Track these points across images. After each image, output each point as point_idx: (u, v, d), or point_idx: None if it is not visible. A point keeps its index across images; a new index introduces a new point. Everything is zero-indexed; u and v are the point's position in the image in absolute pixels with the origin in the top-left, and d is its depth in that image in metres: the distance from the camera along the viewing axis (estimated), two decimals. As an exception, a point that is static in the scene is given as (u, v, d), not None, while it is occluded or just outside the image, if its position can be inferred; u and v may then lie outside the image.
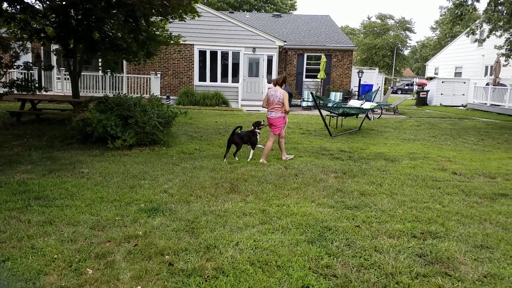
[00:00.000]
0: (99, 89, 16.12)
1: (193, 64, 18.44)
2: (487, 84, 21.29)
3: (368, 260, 3.35)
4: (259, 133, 7.39)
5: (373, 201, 4.96)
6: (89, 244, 3.51)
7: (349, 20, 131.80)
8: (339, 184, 5.73)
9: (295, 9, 49.47)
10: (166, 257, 3.31)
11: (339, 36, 21.83)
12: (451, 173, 6.69)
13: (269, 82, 17.35)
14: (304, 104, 18.65)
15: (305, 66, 20.26)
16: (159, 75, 17.26)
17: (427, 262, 3.38)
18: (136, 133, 7.74)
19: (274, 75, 18.73)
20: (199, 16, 10.46)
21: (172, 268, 3.12)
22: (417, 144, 9.76)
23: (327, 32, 22.29)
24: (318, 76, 19.04)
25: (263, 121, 7.45)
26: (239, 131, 7.23)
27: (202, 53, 18.41)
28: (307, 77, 20.26)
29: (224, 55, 18.46)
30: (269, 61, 18.57)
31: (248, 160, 7.15)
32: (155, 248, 3.44)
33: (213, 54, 18.39)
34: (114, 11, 8.93)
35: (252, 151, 7.30)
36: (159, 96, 13.70)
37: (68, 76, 9.98)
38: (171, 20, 10.15)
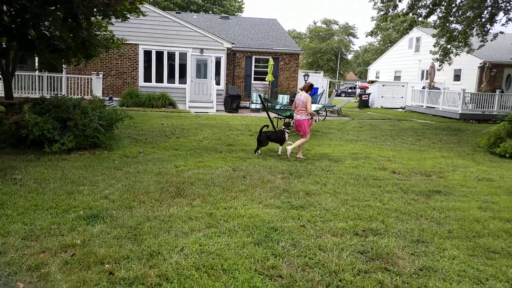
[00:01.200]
0: (35, 89, 15.12)
1: (138, 64, 17.88)
2: (423, 88, 22.71)
3: (312, 259, 3.42)
4: (287, 133, 8.25)
5: (318, 201, 5.08)
6: (20, 256, 3.26)
7: (296, 24, 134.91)
8: (285, 184, 5.81)
9: (242, 12, 49.75)
10: (107, 266, 3.15)
11: (286, 40, 22.24)
12: (390, 172, 7.03)
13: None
14: (252, 106, 18.78)
15: (253, 68, 20.40)
16: (101, 76, 16.54)
17: (368, 258, 3.51)
18: (75, 136, 7.34)
19: (223, 77, 18.68)
20: (144, 15, 10.14)
21: (112, 277, 2.97)
22: (359, 144, 10.16)
23: (274, 36, 22.63)
24: (266, 79, 19.26)
25: (292, 122, 8.44)
26: (266, 130, 8.21)
27: (148, 53, 17.91)
28: (255, 79, 20.41)
29: (171, 55, 18.10)
30: (218, 63, 18.48)
31: (279, 153, 8.17)
32: (95, 257, 3.27)
33: (159, 54, 17.96)
34: (52, 8, 8.40)
35: (280, 147, 8.26)
36: (101, 97, 13.13)
37: (0, 76, 9.21)
38: (113, 20, 9.72)
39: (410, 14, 15.74)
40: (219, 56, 18.42)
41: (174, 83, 18.20)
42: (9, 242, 3.49)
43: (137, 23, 15.20)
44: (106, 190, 5.13)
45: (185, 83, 18.01)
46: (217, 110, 17.59)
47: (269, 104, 13.42)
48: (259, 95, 11.18)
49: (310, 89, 7.97)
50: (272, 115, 12.01)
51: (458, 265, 3.45)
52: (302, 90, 7.99)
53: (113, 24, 10.32)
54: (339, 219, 4.45)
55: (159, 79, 18.11)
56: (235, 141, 9.67)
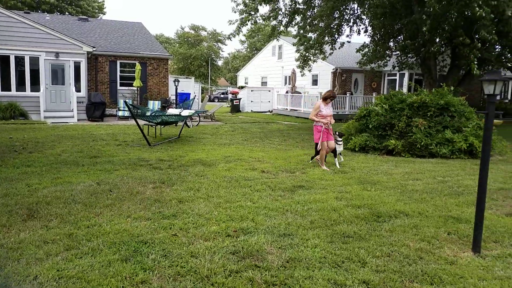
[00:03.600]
0: None
1: (-22, 71, 15.34)
2: (287, 92, 24.58)
3: (184, 267, 3.34)
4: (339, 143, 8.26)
5: (191, 207, 5.02)
6: None
7: (163, 29, 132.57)
8: (157, 194, 5.60)
9: (104, 13, 46.83)
10: None
11: (153, 44, 21.67)
12: (260, 172, 7.37)
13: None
14: (120, 113, 17.75)
15: (118, 73, 19.33)
16: None
17: (239, 258, 3.58)
18: None
19: (84, 83, 17.21)
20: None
21: None
22: (232, 148, 10.44)
23: (140, 40, 21.84)
24: (133, 84, 18.43)
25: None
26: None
27: (-10, 58, 15.50)
28: (122, 85, 19.36)
29: (20, 60, 15.97)
30: (77, 68, 16.96)
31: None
32: None
33: (5, 59, 15.68)
34: None
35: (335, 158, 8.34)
36: None
37: None
38: None
39: (272, 20, 16.83)
40: (78, 61, 16.95)
41: (25, 91, 16.11)
42: None
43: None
44: None
45: (38, 90, 16.07)
46: (78, 120, 16.17)
47: (139, 111, 12.85)
48: (125, 101, 10.61)
49: (326, 98, 7.96)
50: (142, 122, 11.54)
51: (319, 252, 3.76)
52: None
53: None
54: (212, 223, 4.47)
55: (6, 87, 15.81)
56: (100, 152, 8.99)
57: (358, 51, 19.00)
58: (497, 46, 16.31)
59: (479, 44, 13.46)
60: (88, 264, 3.34)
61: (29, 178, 6.28)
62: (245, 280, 3.17)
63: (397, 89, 22.60)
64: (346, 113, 20.19)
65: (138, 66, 18.16)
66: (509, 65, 16.69)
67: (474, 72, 13.41)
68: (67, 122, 15.32)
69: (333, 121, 7.98)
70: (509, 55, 16.32)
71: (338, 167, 7.95)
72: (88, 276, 3.14)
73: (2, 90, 15.70)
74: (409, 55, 18.40)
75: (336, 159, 8.24)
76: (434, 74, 17.20)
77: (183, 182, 6.39)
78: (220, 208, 5.02)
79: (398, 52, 18.58)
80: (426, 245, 4.03)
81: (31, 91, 16.13)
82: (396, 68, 19.75)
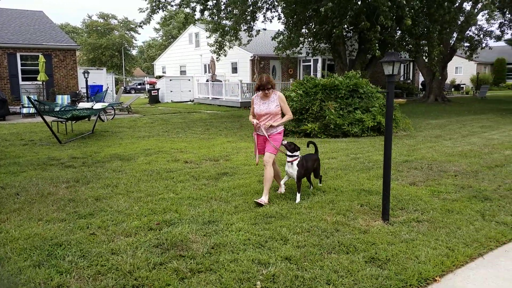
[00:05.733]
0: None
1: None
2: (207, 81, 24.38)
3: (105, 266, 3.21)
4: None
5: (109, 204, 4.80)
6: None
7: (69, 18, 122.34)
8: (71, 194, 5.26)
9: (-1, 1, 41.97)
10: None
11: (58, 35, 19.99)
12: (183, 162, 7.27)
13: None
14: (24, 110, 16.19)
15: (20, 67, 17.57)
16: None
17: (163, 250, 3.53)
18: None
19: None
20: None
21: None
22: (152, 140, 10.13)
23: (43, 30, 19.99)
24: (38, 78, 16.87)
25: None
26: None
27: None
28: (24, 79, 17.65)
29: None
30: (-32, 62, 15.08)
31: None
32: None
33: None
34: None
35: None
36: None
37: None
38: None
39: (185, 8, 16.45)
40: (-31, 54, 15.06)
41: None
42: None
43: None
44: None
45: None
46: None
47: (46, 107, 11.82)
48: (28, 97, 9.71)
49: (258, 88, 5.00)
50: (50, 119, 10.67)
51: (244, 235, 3.85)
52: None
53: None
54: (133, 218, 4.32)
55: None
56: (3, 154, 8.16)
57: (273, 38, 19.43)
58: (398, 31, 17.79)
59: (379, 28, 14.56)
60: (-6, 276, 3.05)
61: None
62: (170, 271, 3.13)
63: (311, 74, 23.66)
64: (266, 99, 20.63)
65: (41, 59, 16.63)
66: (409, 47, 18.29)
67: (377, 54, 14.54)
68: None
69: (270, 123, 4.92)
70: (407, 38, 17.87)
71: (298, 200, 4.92)
72: (-5, 288, 2.87)
73: None
74: (320, 41, 19.28)
75: (283, 183, 5.21)
76: (344, 59, 18.29)
77: (100, 179, 6.07)
78: (141, 203, 4.87)
79: (311, 38, 19.35)
80: (342, 217, 4.33)
81: None
82: (310, 55, 20.59)
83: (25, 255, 3.40)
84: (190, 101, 25.73)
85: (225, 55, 19.96)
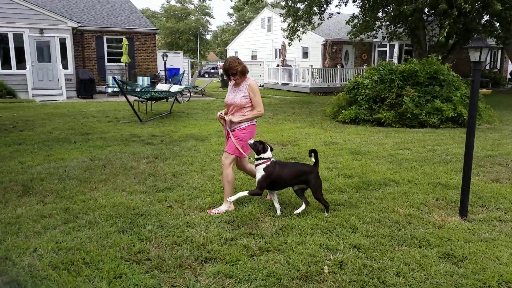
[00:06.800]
0: None
1: (-40, 49, 14.94)
2: (278, 66, 24.38)
3: (181, 237, 3.43)
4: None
5: (185, 180, 5.09)
6: None
7: (149, 3, 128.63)
8: (151, 169, 5.65)
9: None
10: None
11: (140, 19, 21.20)
12: (252, 145, 7.42)
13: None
14: (109, 90, 17.54)
15: (106, 49, 18.97)
16: None
17: (234, 226, 3.68)
18: None
19: (71, 60, 16.90)
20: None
21: None
22: (223, 122, 10.44)
23: (126, 14, 21.32)
24: (121, 60, 18.13)
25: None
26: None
27: (-28, 35, 15.08)
28: (110, 61, 19.05)
29: (3, 37, 15.56)
30: (63, 44, 16.59)
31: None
32: None
33: (-12, 36, 15.29)
34: None
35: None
36: None
37: None
38: None
39: None
40: (63, 37, 16.57)
41: (11, 69, 15.78)
42: None
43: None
44: None
45: (24, 68, 15.75)
46: (68, 97, 15.95)
47: (128, 87, 12.71)
48: (113, 77, 10.48)
49: (225, 73, 4.14)
50: (132, 98, 11.45)
51: (311, 220, 3.87)
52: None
53: None
54: (206, 194, 4.55)
55: (-9, 65, 15.49)
56: (92, 129, 8.95)
57: (347, 22, 18.80)
58: (485, 15, 16.25)
59: (456, 12, 13.42)
60: (86, 236, 3.41)
61: (21, 156, 6.27)
62: (240, 247, 3.27)
63: (387, 60, 22.58)
64: (337, 85, 20.16)
65: (125, 41, 17.81)
66: (498, 33, 16.65)
67: (441, 38, 13.52)
68: (56, 100, 15.13)
69: (234, 119, 4.12)
70: (496, 24, 16.26)
71: (279, 212, 4.05)
72: (87, 247, 3.21)
73: (-13, 69, 15.37)
74: (398, 25, 18.27)
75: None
76: (424, 44, 17.16)
77: (176, 156, 6.43)
78: (214, 181, 5.09)
79: (387, 22, 18.42)
80: (415, 211, 4.16)
81: (17, 69, 15.81)
82: (386, 39, 19.64)
83: (111, 221, 3.75)
84: (260, 86, 25.98)
85: (299, 40, 19.75)
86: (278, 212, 4.03)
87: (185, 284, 2.73)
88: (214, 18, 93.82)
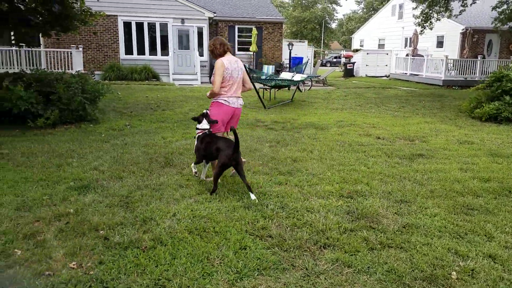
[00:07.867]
0: (13, 65, 14.66)
1: (118, 37, 17.43)
2: (407, 55, 22.79)
3: (300, 220, 3.55)
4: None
5: (305, 166, 5.20)
6: (15, 226, 3.30)
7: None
8: (273, 152, 5.90)
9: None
10: (101, 232, 3.22)
11: (269, 9, 21.87)
12: (375, 138, 7.18)
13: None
14: (237, 77, 18.59)
15: (236, 38, 20.10)
16: (81, 49, 16.10)
17: (354, 218, 3.66)
18: (60, 110, 7.26)
19: (206, 48, 18.37)
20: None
21: (107, 242, 3.05)
22: (345, 112, 10.28)
23: (256, 4, 22.21)
24: (250, 49, 19.04)
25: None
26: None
27: (127, 25, 17.44)
28: (239, 49, 20.15)
29: (151, 26, 17.67)
30: (200, 33, 18.13)
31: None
32: (89, 224, 3.33)
33: (139, 25, 17.51)
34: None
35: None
36: (82, 72, 12.85)
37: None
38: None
39: None
40: (201, 26, 18.06)
41: (156, 55, 17.87)
42: (2, 212, 3.52)
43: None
44: (95, 162, 5.14)
45: (167, 55, 17.70)
46: (202, 82, 17.41)
47: (254, 75, 13.35)
48: (244, 65, 11.07)
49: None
50: (258, 86, 11.98)
51: (439, 221, 3.62)
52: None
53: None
54: (325, 182, 4.59)
55: (141, 51, 17.75)
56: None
57: (494, 8, 16.52)
58: None
59: None
60: (216, 208, 3.76)
61: (163, 132, 7.13)
62: (359, 238, 3.25)
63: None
64: (476, 79, 18.02)
65: (254, 31, 18.62)
66: None
67: None
68: (191, 85, 16.67)
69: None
70: None
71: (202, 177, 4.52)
72: (217, 217, 3.55)
73: (138, 54, 17.69)
74: None
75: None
76: None
77: (297, 143, 6.59)
78: (333, 170, 5.09)
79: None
80: None
81: (161, 55, 17.83)
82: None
83: (237, 197, 4.07)
84: (386, 76, 24.67)
85: (431, 28, 18.12)
86: (202, 177, 4.51)
87: (304, 266, 2.84)
88: (341, 6, 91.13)
